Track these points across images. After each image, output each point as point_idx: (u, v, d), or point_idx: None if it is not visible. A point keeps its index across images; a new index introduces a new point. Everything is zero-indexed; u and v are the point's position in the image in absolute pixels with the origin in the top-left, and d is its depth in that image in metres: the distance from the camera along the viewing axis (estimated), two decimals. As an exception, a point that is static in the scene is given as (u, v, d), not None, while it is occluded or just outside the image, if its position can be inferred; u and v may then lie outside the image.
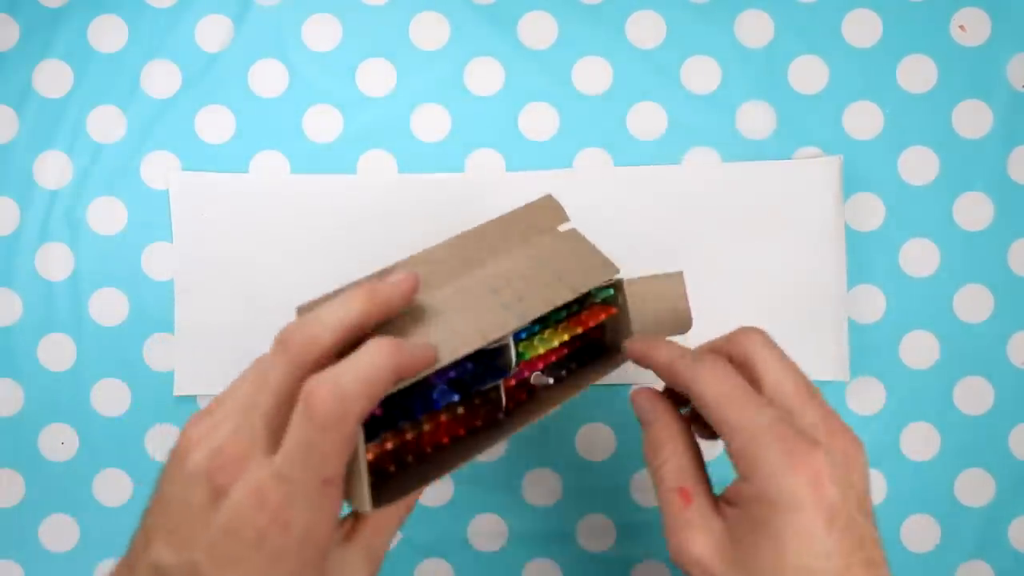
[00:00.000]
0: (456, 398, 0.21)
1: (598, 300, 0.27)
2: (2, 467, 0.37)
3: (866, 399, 0.37)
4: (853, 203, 0.37)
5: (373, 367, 0.19)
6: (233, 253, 0.36)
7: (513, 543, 0.37)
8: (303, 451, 0.18)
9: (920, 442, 0.37)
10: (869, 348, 0.37)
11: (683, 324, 0.26)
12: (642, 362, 0.25)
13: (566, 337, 0.25)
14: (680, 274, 0.26)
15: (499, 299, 0.23)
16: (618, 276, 0.26)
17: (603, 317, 0.26)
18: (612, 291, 0.26)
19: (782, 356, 0.23)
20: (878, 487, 0.37)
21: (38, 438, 0.37)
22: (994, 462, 0.37)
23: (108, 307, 0.37)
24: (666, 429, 0.23)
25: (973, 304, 0.37)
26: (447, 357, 0.20)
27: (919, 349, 0.37)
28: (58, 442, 0.36)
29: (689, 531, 0.21)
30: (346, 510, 0.21)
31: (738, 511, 0.21)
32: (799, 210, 0.36)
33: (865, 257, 0.37)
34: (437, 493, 0.37)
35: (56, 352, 0.37)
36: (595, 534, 0.37)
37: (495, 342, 0.22)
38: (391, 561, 0.36)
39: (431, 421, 0.22)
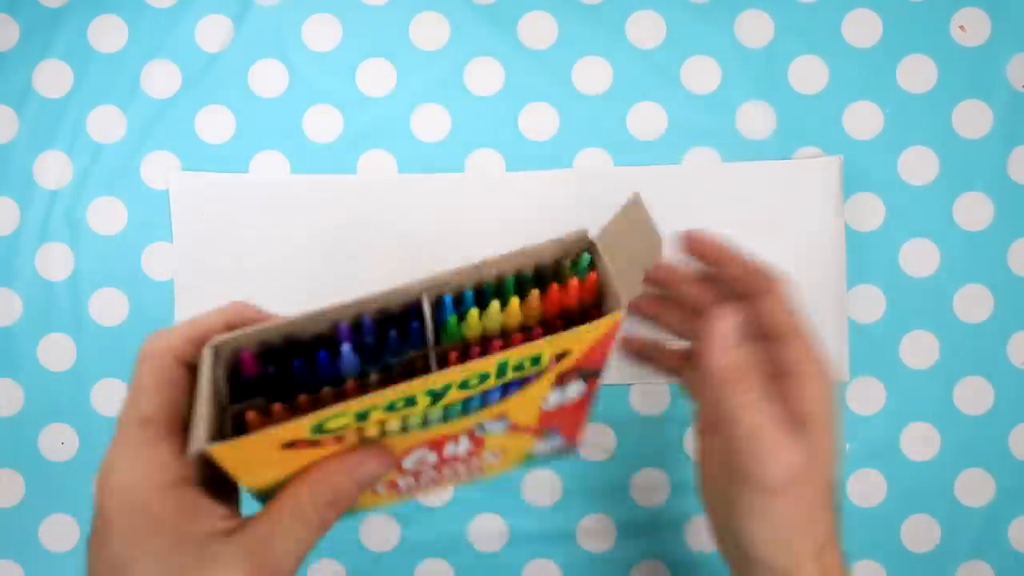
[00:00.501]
0: (354, 360, 0.18)
1: (577, 273, 0.21)
2: (2, 467, 0.37)
3: (866, 399, 0.37)
4: (853, 203, 0.37)
5: (202, 313, 0.19)
6: (233, 253, 0.36)
7: (513, 543, 0.37)
8: (127, 393, 0.19)
9: (920, 442, 0.37)
10: (869, 348, 0.37)
11: (656, 252, 0.24)
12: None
13: (524, 318, 0.20)
14: (638, 197, 0.23)
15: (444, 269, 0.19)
16: (590, 237, 0.21)
17: (582, 290, 0.21)
18: (588, 257, 0.21)
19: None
20: (878, 487, 0.37)
21: (38, 438, 0.37)
22: (994, 462, 0.37)
23: (108, 307, 0.37)
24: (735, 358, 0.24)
25: (973, 304, 0.37)
26: (334, 310, 0.18)
27: (919, 349, 0.37)
28: (58, 442, 0.36)
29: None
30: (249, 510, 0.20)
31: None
32: (799, 210, 0.36)
33: (865, 257, 0.37)
34: (441, 495, 0.37)
35: (56, 352, 0.37)
36: (595, 534, 0.37)
37: (394, 299, 0.18)
38: (391, 561, 0.36)
39: (334, 390, 0.19)
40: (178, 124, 0.37)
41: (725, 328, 0.23)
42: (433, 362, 0.19)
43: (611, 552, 0.37)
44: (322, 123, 0.37)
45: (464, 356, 0.19)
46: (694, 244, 0.28)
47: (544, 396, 0.23)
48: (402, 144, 0.37)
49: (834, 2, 0.37)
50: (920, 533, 0.37)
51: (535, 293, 0.20)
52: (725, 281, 0.27)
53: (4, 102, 0.37)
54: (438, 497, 0.37)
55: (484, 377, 0.19)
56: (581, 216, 0.34)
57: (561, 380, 0.22)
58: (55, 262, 0.37)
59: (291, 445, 0.18)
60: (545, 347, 0.19)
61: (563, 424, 0.26)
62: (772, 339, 0.24)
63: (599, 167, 0.37)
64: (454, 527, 0.37)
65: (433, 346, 0.19)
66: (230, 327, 0.19)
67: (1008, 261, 0.37)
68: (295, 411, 0.18)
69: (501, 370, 0.19)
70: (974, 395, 0.37)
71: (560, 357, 0.20)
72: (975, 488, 0.37)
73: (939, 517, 0.37)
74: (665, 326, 0.29)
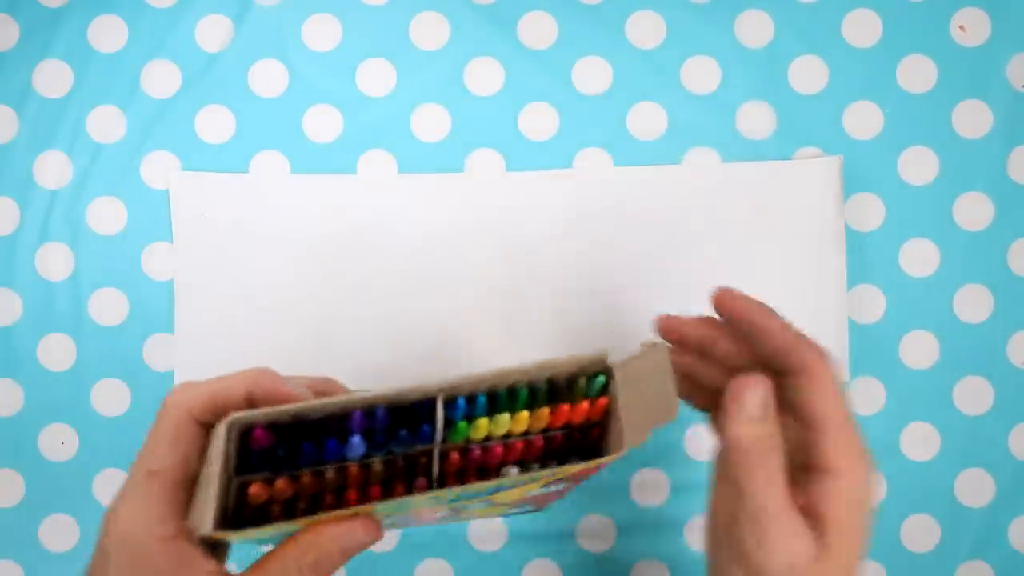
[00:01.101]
0: (361, 449, 0.19)
1: (588, 391, 0.22)
2: (2, 467, 0.37)
3: (866, 399, 0.37)
4: (853, 203, 0.37)
5: (227, 376, 0.20)
6: (233, 253, 0.36)
7: (513, 543, 0.37)
8: (145, 440, 0.21)
9: (920, 442, 0.37)
10: (869, 348, 0.37)
11: (670, 414, 0.22)
12: (750, 327, 0.23)
13: (529, 427, 0.21)
14: (664, 346, 0.23)
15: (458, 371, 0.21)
16: (609, 360, 0.22)
17: (590, 410, 0.21)
18: (604, 378, 0.21)
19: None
20: (878, 488, 0.37)
21: (38, 438, 0.37)
22: (994, 462, 0.37)
23: (108, 307, 0.37)
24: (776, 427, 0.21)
25: (973, 304, 0.37)
26: (339, 401, 0.19)
27: (919, 349, 0.37)
28: (58, 442, 0.36)
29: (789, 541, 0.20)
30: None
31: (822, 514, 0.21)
32: (799, 210, 0.36)
33: (865, 257, 0.37)
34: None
35: (56, 352, 0.37)
36: (595, 534, 0.37)
37: (409, 396, 0.19)
38: (391, 561, 0.36)
39: (337, 471, 0.20)
40: (178, 124, 0.37)
41: (750, 398, 0.21)
42: (436, 462, 0.20)
43: (611, 552, 0.37)
44: (322, 123, 0.37)
45: (465, 454, 0.20)
46: (727, 305, 0.24)
47: (530, 492, 0.24)
48: (402, 144, 0.37)
49: (834, 2, 0.37)
50: (920, 533, 0.37)
51: (545, 411, 0.21)
52: (762, 349, 0.23)
53: (4, 102, 0.37)
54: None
55: (477, 493, 0.21)
56: (581, 216, 0.36)
57: (547, 484, 0.23)
58: (55, 262, 0.37)
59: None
60: (538, 479, 0.21)
61: (540, 500, 0.27)
62: (808, 426, 0.21)
63: (599, 167, 0.36)
64: (454, 527, 0.37)
65: (439, 443, 0.20)
66: (250, 395, 0.20)
67: (1008, 261, 0.37)
68: (297, 485, 0.20)
69: (494, 488, 0.21)
70: (974, 395, 0.37)
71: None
72: (975, 488, 0.37)
73: (939, 517, 0.37)
74: (699, 378, 0.26)
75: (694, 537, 0.37)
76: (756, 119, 0.37)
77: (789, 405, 0.22)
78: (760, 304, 0.24)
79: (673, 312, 0.26)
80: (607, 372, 0.22)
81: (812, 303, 0.36)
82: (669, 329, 0.25)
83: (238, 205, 0.36)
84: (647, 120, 0.37)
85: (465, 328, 0.36)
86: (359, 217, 0.36)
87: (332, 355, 0.36)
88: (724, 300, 0.24)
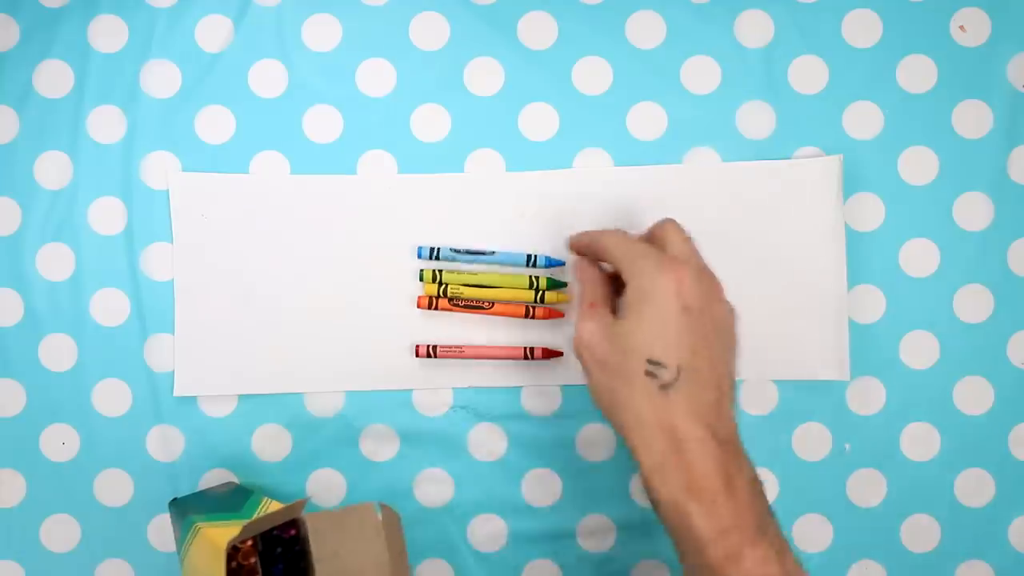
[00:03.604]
0: None
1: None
2: (4, 467, 0.37)
3: (866, 399, 0.37)
4: (853, 203, 0.37)
5: None
6: (233, 253, 0.36)
7: (513, 543, 0.37)
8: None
9: (920, 442, 0.37)
10: (869, 348, 0.37)
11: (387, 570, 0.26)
12: (579, 249, 0.34)
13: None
14: (371, 507, 0.26)
15: None
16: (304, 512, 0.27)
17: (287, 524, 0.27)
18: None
19: (685, 235, 0.30)
20: (878, 487, 0.37)
21: (39, 438, 0.37)
22: (994, 462, 0.37)
23: (108, 307, 0.37)
24: (589, 270, 0.32)
25: (973, 304, 0.37)
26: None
27: (919, 349, 0.37)
28: (59, 442, 0.36)
29: (584, 323, 0.29)
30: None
31: (620, 308, 0.29)
32: (799, 210, 0.36)
33: (865, 257, 0.37)
34: (437, 494, 0.37)
35: (57, 352, 0.37)
36: (595, 534, 0.37)
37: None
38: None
39: None
40: (178, 124, 0.37)
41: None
42: None
43: (611, 552, 0.37)
44: (322, 123, 0.37)
45: None
46: (576, 247, 0.34)
47: None
48: (402, 144, 0.37)
49: (834, 2, 0.37)
50: (920, 533, 0.37)
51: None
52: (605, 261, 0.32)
53: (5, 102, 0.37)
54: (438, 497, 0.37)
55: None
56: (581, 215, 0.36)
57: None
58: (56, 262, 0.37)
59: None
60: None
61: None
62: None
63: (599, 167, 0.37)
64: (454, 527, 0.37)
65: None
66: None
67: (1008, 261, 0.37)
68: None
69: None
70: (974, 395, 0.36)
71: None
72: (975, 488, 0.37)
73: (939, 517, 0.37)
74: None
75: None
76: (756, 119, 0.37)
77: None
78: (595, 232, 0.32)
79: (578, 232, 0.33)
80: (299, 523, 0.26)
81: (812, 303, 0.36)
82: (576, 245, 0.34)
83: (238, 205, 0.36)
84: (647, 120, 0.37)
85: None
86: (359, 217, 0.36)
87: (332, 355, 0.36)
88: (576, 245, 0.34)
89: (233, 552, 0.26)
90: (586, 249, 0.33)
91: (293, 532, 0.26)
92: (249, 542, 0.26)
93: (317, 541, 0.26)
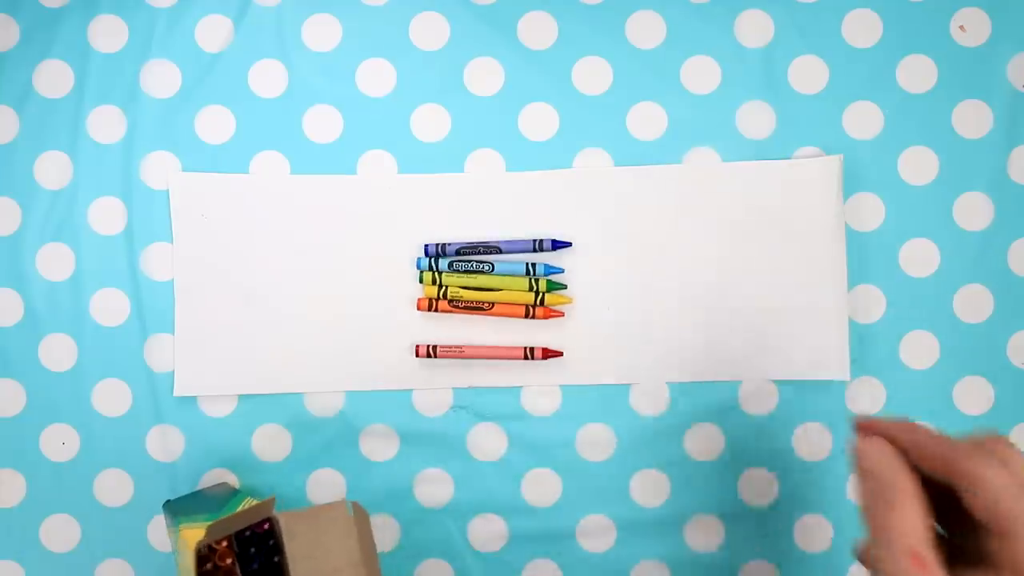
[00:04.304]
0: None
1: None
2: (4, 467, 0.36)
3: (866, 399, 0.37)
4: (853, 203, 0.37)
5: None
6: (233, 253, 0.36)
7: (513, 543, 0.37)
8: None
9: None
10: (869, 348, 0.36)
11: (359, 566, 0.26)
12: (899, 444, 0.23)
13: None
14: (341, 505, 0.26)
15: None
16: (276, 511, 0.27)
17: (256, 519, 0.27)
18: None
19: None
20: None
21: (39, 438, 0.36)
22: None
23: (108, 307, 0.37)
24: (904, 488, 0.21)
25: (973, 304, 0.36)
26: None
27: (919, 349, 0.37)
28: (59, 442, 0.36)
29: None
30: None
31: (968, 557, 0.21)
32: (799, 210, 0.36)
33: (865, 257, 0.36)
34: (437, 494, 0.37)
35: (57, 352, 0.36)
36: (595, 534, 0.37)
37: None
38: (391, 561, 0.36)
39: None
40: (178, 124, 0.37)
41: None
42: None
43: (611, 552, 0.37)
44: (322, 123, 0.36)
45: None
46: (873, 431, 0.24)
47: None
48: (402, 144, 0.36)
49: (834, 2, 0.37)
50: None
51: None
52: (919, 464, 0.22)
53: (4, 102, 0.37)
54: (438, 498, 0.37)
55: None
56: (581, 216, 0.36)
57: None
58: (56, 262, 0.36)
59: None
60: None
61: None
62: (986, 529, 0.20)
63: (599, 167, 0.36)
64: (454, 527, 0.37)
65: None
66: None
67: (1008, 261, 0.37)
68: None
69: None
70: (974, 395, 0.36)
71: None
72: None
73: None
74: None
75: (694, 537, 0.37)
76: (756, 119, 0.36)
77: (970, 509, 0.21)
78: (903, 424, 0.23)
79: (870, 414, 0.27)
80: (272, 521, 0.26)
81: (812, 303, 0.36)
82: (868, 429, 0.24)
83: (238, 205, 0.36)
84: (647, 120, 0.36)
85: (465, 328, 0.36)
86: (359, 217, 0.36)
87: (332, 355, 0.36)
88: (868, 429, 0.24)
89: (209, 553, 0.26)
90: (891, 440, 0.23)
91: (267, 527, 0.26)
92: (224, 543, 0.26)
93: (291, 540, 0.26)
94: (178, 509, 0.32)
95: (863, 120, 0.37)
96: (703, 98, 0.36)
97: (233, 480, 0.36)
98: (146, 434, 0.36)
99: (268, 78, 0.37)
